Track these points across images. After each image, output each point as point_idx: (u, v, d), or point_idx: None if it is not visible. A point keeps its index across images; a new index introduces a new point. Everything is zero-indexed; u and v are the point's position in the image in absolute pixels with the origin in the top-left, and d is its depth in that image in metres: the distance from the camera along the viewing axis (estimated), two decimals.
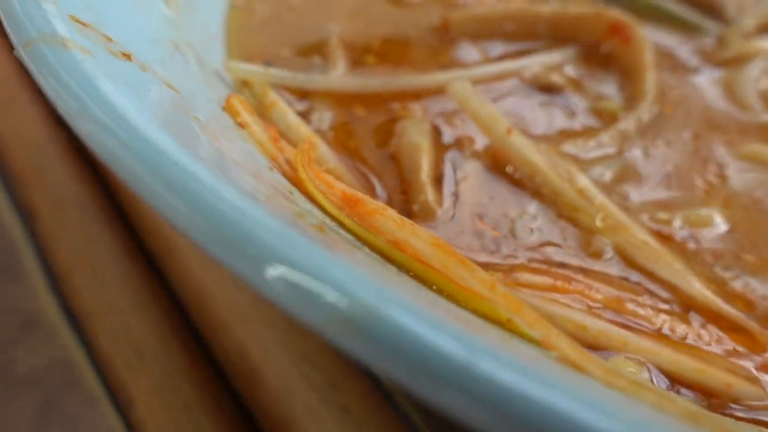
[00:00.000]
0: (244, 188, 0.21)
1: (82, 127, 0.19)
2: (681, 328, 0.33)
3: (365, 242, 0.26)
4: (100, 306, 0.41)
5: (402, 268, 0.25)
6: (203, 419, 0.37)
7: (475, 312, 0.23)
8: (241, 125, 0.31)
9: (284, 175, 0.30)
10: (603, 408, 0.14)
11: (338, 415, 0.35)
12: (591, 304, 0.32)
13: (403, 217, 0.26)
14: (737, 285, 0.35)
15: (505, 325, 0.23)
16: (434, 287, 0.24)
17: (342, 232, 0.26)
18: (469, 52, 0.49)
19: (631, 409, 0.16)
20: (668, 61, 0.51)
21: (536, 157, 0.38)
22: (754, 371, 0.31)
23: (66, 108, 0.20)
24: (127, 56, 0.25)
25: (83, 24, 0.24)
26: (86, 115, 0.19)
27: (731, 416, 0.27)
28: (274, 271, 0.16)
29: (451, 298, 0.24)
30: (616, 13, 0.50)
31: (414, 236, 0.25)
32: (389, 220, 0.26)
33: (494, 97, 0.45)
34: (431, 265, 0.24)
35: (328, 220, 0.25)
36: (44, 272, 0.43)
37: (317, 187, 0.28)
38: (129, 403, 0.37)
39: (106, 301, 0.41)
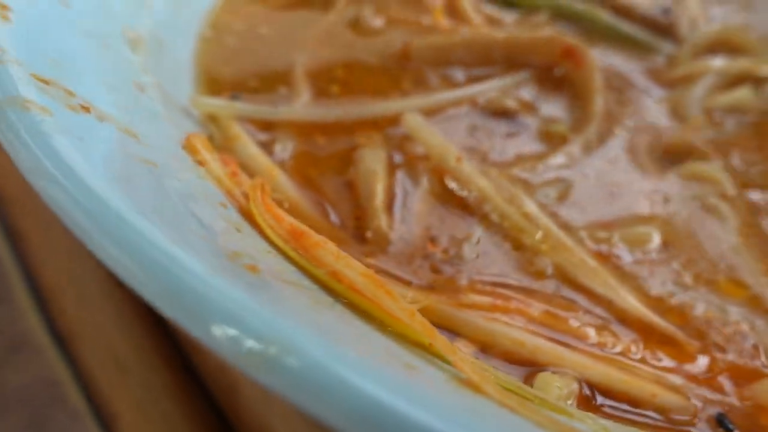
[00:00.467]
0: (187, 233, 0.24)
1: (37, 183, 0.22)
2: (613, 342, 0.35)
3: (308, 274, 0.29)
4: (84, 324, 0.43)
5: (339, 296, 0.28)
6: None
7: (403, 336, 0.26)
8: (200, 163, 0.34)
9: (240, 209, 0.32)
10: (477, 429, 0.17)
11: (314, 427, 0.37)
12: (529, 321, 0.35)
13: (341, 250, 0.28)
14: (672, 300, 0.38)
15: (428, 349, 0.25)
16: (368, 314, 0.27)
17: (286, 264, 0.28)
18: (428, 78, 0.52)
19: (508, 428, 0.19)
20: (619, 81, 0.54)
21: (484, 183, 0.40)
22: (681, 381, 0.34)
23: (22, 165, 0.22)
24: (86, 108, 0.28)
25: (45, 82, 0.27)
26: (40, 172, 0.22)
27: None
28: (202, 320, 0.19)
29: (381, 324, 0.26)
30: (568, 38, 0.53)
31: (348, 268, 0.27)
32: (328, 252, 0.28)
33: (450, 123, 0.48)
34: (364, 294, 0.27)
35: (272, 255, 0.27)
36: (31, 293, 0.45)
37: (266, 222, 0.30)
38: (112, 417, 0.39)
39: (90, 320, 0.43)
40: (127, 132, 0.29)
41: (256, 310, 0.19)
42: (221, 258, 0.23)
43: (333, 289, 0.28)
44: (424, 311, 0.32)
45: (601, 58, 0.55)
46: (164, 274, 0.20)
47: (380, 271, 0.36)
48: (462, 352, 0.24)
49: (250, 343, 0.18)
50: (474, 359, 0.26)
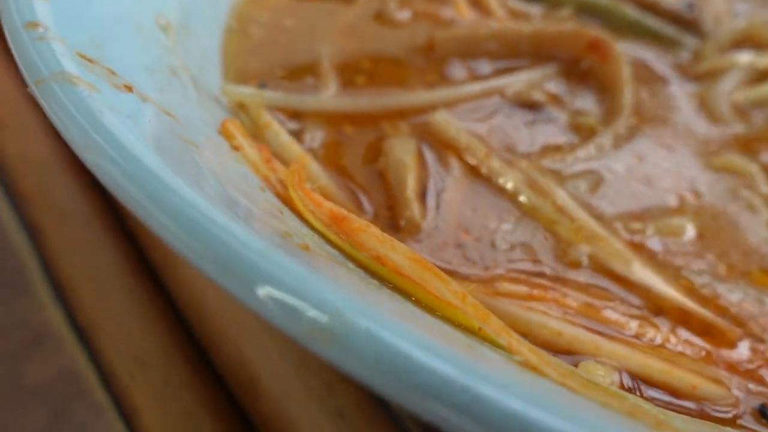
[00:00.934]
0: (236, 211, 0.23)
1: (89, 159, 0.22)
2: (652, 332, 0.35)
3: (350, 257, 0.28)
4: (104, 318, 0.43)
5: (384, 281, 0.27)
6: (204, 425, 0.39)
7: (450, 320, 0.26)
8: (236, 148, 0.34)
9: (276, 194, 0.32)
10: (549, 406, 0.16)
11: (334, 420, 0.37)
12: (566, 311, 0.34)
13: (385, 234, 0.28)
14: (707, 291, 0.38)
15: (477, 333, 0.25)
16: (413, 298, 0.26)
17: (328, 248, 0.28)
18: (455, 70, 0.51)
19: (576, 406, 0.18)
20: (645, 74, 0.53)
21: (513, 175, 0.40)
22: (721, 372, 0.33)
23: (75, 141, 0.22)
24: (129, 88, 0.28)
25: (89, 60, 0.27)
26: (92, 148, 0.22)
27: (690, 415, 0.29)
28: (261, 290, 0.18)
29: (428, 307, 0.26)
30: (594, 31, 0.53)
31: (394, 251, 0.27)
32: (372, 236, 0.28)
33: (479, 115, 0.47)
34: (410, 277, 0.26)
35: (315, 238, 0.27)
36: (50, 287, 0.45)
37: (306, 206, 0.30)
38: (133, 411, 0.39)
39: (110, 313, 0.43)
40: (167, 114, 0.29)
41: (315, 282, 0.18)
42: (275, 236, 0.22)
43: (376, 273, 0.27)
44: None
45: (627, 52, 0.55)
46: (223, 248, 0.19)
47: None
48: (516, 335, 0.24)
49: (312, 314, 0.18)
50: (527, 343, 0.25)
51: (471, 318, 0.24)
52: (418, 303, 0.26)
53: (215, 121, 0.36)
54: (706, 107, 0.49)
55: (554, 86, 0.51)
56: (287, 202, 0.31)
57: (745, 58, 0.54)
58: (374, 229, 0.28)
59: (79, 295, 0.44)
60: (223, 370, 0.40)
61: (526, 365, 0.22)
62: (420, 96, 0.47)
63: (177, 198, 0.20)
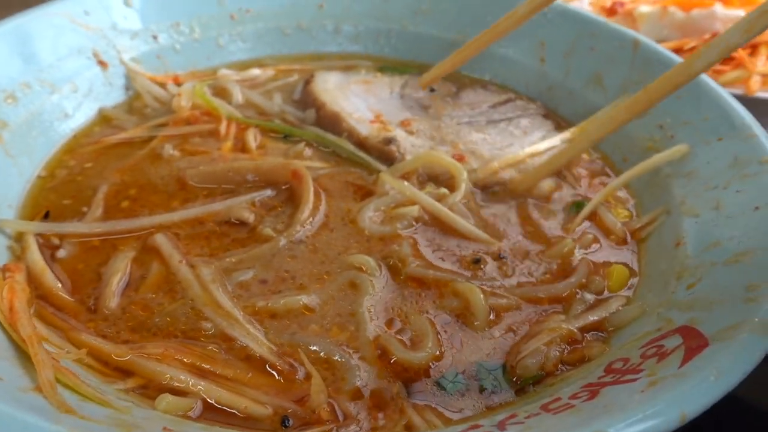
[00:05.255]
0: None
1: None
2: (234, 372, 0.55)
3: (11, 338, 0.50)
4: None
5: (20, 347, 0.49)
6: None
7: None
8: None
9: None
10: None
11: None
12: (183, 363, 0.55)
13: (31, 322, 0.50)
14: (290, 344, 0.58)
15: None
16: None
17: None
18: (195, 195, 0.74)
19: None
20: (339, 192, 0.75)
21: (187, 273, 0.62)
22: (269, 397, 0.54)
23: None
24: None
25: None
26: None
27: None
28: None
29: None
30: (295, 164, 0.75)
31: (23, 330, 0.48)
32: (24, 323, 0.50)
33: (202, 230, 0.69)
34: (27, 344, 0.48)
35: None
36: None
37: (2, 306, 0.52)
38: None
39: None
40: None
41: None
42: None
43: (18, 344, 0.49)
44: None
45: (330, 175, 0.77)
46: None
47: (100, 332, 0.57)
48: (49, 377, 0.45)
49: None
50: (66, 378, 0.47)
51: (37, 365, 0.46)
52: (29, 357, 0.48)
53: None
54: (353, 219, 0.71)
55: (264, 204, 0.73)
56: None
57: (405, 184, 0.75)
58: (25, 319, 0.50)
59: None
60: None
61: (37, 389, 0.43)
62: (154, 219, 0.69)
63: None
